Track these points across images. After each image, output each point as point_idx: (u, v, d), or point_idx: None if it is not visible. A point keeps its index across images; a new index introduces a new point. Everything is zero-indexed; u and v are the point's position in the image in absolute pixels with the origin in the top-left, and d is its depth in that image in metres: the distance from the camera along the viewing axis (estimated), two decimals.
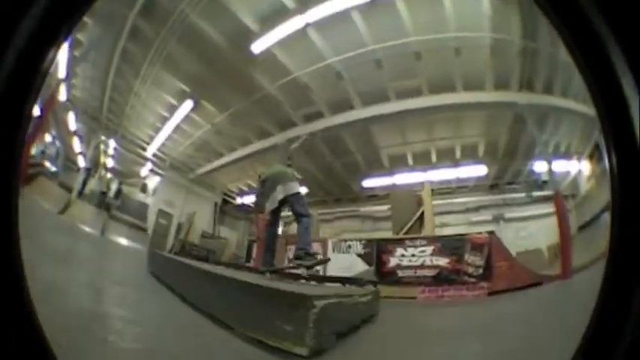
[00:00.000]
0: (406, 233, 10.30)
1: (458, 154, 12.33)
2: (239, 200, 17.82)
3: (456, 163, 12.48)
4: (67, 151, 15.12)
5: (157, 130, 15.15)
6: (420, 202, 11.05)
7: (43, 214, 9.01)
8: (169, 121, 14.17)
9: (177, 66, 12.10)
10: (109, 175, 16.48)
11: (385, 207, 12.96)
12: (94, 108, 14.63)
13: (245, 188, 17.65)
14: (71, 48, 11.67)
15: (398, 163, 13.29)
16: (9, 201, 0.78)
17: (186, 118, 13.78)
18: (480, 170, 12.42)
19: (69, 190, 13.16)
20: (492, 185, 12.38)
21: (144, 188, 17.22)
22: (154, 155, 16.02)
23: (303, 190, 15.02)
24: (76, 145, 15.59)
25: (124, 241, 13.04)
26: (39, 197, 10.09)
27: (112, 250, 10.57)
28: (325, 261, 6.62)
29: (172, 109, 13.62)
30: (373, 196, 14.45)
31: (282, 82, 11.14)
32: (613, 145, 0.84)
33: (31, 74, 0.79)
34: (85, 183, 14.37)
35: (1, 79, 0.74)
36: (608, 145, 0.85)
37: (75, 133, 15.33)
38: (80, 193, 13.72)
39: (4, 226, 0.76)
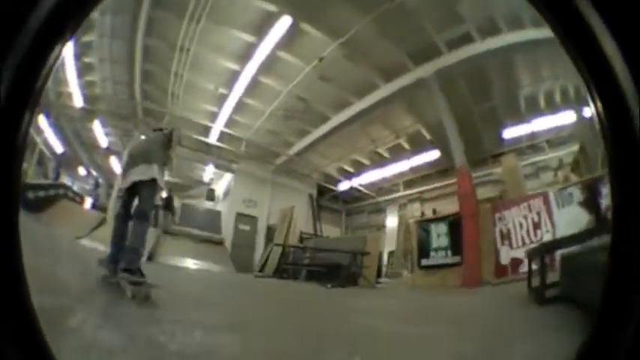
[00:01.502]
0: None
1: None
2: (343, 185, 13.59)
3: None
4: (107, 176, 13.05)
5: (222, 100, 10.61)
6: None
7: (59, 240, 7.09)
8: (242, 75, 9.54)
9: None
10: (164, 194, 12.58)
11: None
12: (124, 102, 11.22)
13: (350, 169, 13.18)
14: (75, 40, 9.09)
15: (532, 107, 10.35)
16: (10, 197, 0.74)
17: (271, 64, 9.23)
18: None
19: (103, 210, 10.73)
20: None
21: (211, 196, 13.64)
22: (221, 138, 11.62)
23: (433, 154, 11.06)
24: (116, 164, 12.61)
25: (190, 262, 9.36)
26: (58, 222, 8.49)
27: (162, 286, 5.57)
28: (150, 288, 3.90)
29: (247, 51, 9.04)
30: (500, 154, 11.24)
31: None
32: (612, 139, 0.80)
33: (35, 73, 0.74)
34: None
35: (4, 78, 0.69)
36: (605, 137, 0.80)
37: (108, 149, 12.63)
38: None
39: (5, 232, 0.72)
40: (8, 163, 0.71)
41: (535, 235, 7.14)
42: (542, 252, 5.01)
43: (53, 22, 0.72)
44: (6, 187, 0.72)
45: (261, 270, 10.45)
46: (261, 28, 8.38)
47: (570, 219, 6.79)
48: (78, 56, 9.82)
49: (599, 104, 0.79)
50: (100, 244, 7.75)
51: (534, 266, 5.39)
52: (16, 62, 0.69)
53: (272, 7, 7.96)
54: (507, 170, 9.64)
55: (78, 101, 10.80)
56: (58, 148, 11.83)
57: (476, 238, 7.43)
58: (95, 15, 8.58)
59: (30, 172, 10.06)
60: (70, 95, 10.62)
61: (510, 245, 7.30)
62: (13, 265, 0.72)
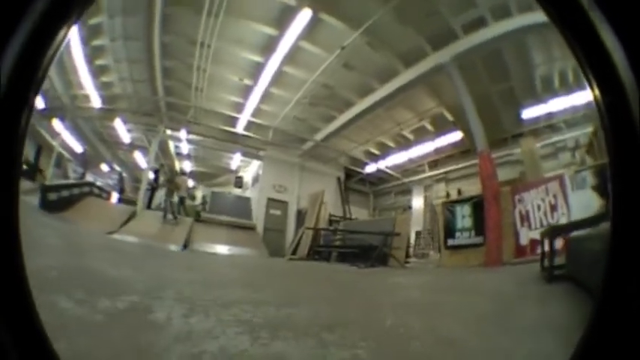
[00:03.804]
0: None
1: None
2: (370, 168, 13.70)
3: None
4: (131, 173, 13.53)
5: (248, 91, 10.80)
6: None
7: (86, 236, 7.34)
8: (267, 66, 9.72)
9: None
10: (190, 183, 12.99)
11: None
12: (145, 99, 11.31)
13: (376, 151, 13.21)
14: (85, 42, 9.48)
15: (548, 87, 10.26)
16: (10, 194, 0.73)
17: (295, 55, 9.36)
18: None
19: (132, 203, 10.80)
20: None
21: (239, 183, 14.02)
22: (249, 127, 11.88)
23: (456, 135, 11.72)
24: (140, 158, 13.27)
25: (222, 249, 9.46)
26: (86, 219, 8.58)
27: (199, 270, 6.22)
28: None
29: (269, 43, 9.17)
30: (520, 134, 11.23)
31: None
32: (612, 137, 0.81)
33: (38, 56, 0.73)
34: (153, 191, 11.60)
35: (5, 68, 0.68)
36: (607, 135, 0.82)
37: (132, 144, 12.98)
38: (149, 205, 11.21)
39: (5, 227, 0.72)
40: (9, 148, 0.70)
41: (552, 217, 7.22)
42: (553, 234, 5.19)
43: (58, 4, 0.71)
44: (6, 170, 0.71)
45: (294, 253, 10.67)
46: (281, 20, 8.39)
47: (584, 203, 6.79)
48: (90, 59, 9.89)
49: (597, 92, 0.79)
50: (133, 238, 8.17)
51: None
52: (20, 44, 0.68)
53: (291, 1, 8.00)
54: (526, 152, 9.58)
55: (96, 102, 10.97)
56: (78, 148, 12.12)
57: (497, 220, 7.46)
58: (104, 19, 8.86)
59: (49, 174, 10.35)
60: (86, 97, 10.80)
61: (529, 226, 7.39)
62: (14, 261, 0.71)
